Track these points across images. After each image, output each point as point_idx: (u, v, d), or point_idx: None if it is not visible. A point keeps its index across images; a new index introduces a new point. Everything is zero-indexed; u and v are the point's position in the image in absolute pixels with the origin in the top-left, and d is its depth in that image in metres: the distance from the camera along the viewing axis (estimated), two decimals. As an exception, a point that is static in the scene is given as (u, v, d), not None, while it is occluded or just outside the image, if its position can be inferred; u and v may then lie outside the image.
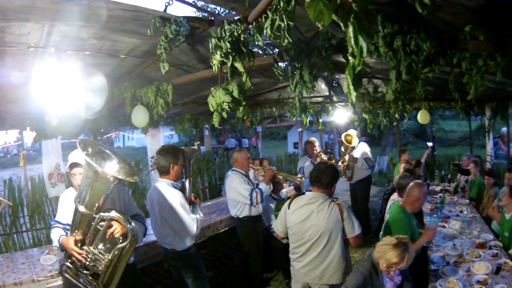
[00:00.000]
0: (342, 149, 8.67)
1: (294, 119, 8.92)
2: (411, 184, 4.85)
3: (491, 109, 8.45)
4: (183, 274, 4.61)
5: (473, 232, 5.62)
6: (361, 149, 8.64)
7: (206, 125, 14.34)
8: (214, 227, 6.58)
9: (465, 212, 5.82)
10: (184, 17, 3.80)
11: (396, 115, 8.71)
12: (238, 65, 3.43)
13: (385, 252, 3.48)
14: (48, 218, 7.62)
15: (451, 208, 7.11)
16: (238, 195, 5.81)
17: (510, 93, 6.84)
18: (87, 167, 3.26)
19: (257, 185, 5.95)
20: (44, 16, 3.40)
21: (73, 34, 3.88)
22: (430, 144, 11.23)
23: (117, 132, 26.96)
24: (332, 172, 4.16)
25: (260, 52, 6.85)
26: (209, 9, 14.80)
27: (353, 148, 8.52)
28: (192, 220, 4.32)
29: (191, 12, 26.46)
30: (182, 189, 4.51)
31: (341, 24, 1.86)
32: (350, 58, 1.92)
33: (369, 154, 8.67)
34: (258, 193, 5.74)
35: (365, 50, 1.83)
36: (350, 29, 1.84)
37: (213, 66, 3.64)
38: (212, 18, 3.99)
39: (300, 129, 21.01)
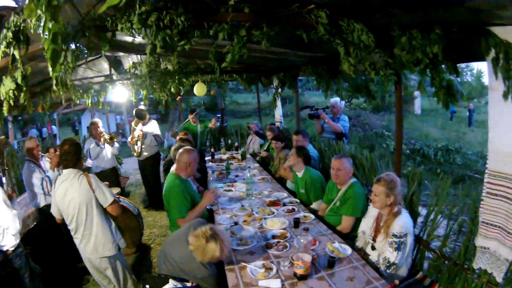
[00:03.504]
0: (133, 124, 8.62)
1: (78, 101, 8.55)
2: (180, 150, 5.10)
3: (278, 79, 8.92)
4: (20, 275, 4.49)
5: (263, 192, 6.00)
6: (151, 125, 8.73)
7: (9, 117, 13.22)
8: (24, 223, 6.13)
9: (248, 174, 6.09)
10: (-7, 6, 3.68)
11: (172, 90, 8.75)
12: (16, 52, 3.37)
13: (205, 252, 3.42)
14: None
15: (239, 173, 7.53)
16: (31, 185, 5.63)
17: (298, 63, 7.22)
18: None
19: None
20: None
21: None
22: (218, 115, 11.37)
23: None
24: (75, 150, 4.26)
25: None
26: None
27: (144, 124, 8.56)
28: (14, 216, 4.29)
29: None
30: None
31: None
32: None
33: (158, 131, 8.84)
34: (47, 181, 5.67)
35: (50, 33, 2.55)
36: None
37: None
38: (16, 6, 3.81)
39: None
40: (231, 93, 35.65)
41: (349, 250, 3.78)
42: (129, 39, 4.81)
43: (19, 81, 3.64)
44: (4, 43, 3.33)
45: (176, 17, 3.16)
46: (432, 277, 3.94)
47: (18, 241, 4.45)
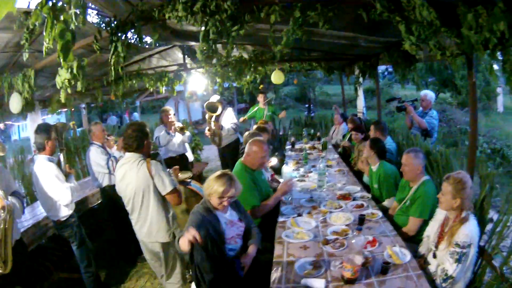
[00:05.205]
0: (207, 117, 8.56)
1: (151, 89, 8.75)
2: (250, 141, 4.96)
3: (359, 68, 8.64)
4: (70, 242, 5.02)
5: (337, 184, 5.75)
6: (227, 115, 8.70)
7: (82, 105, 13.96)
8: (87, 202, 6.79)
9: (321, 165, 5.76)
10: (40, 8, 3.93)
11: (248, 78, 8.61)
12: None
13: (211, 186, 3.71)
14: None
15: (317, 163, 7.02)
16: (97, 165, 5.99)
17: (377, 51, 7.03)
18: None
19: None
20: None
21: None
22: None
23: (6, 123, 25.72)
24: (137, 135, 4.25)
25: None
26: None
27: (218, 115, 8.53)
28: (66, 188, 4.64)
29: None
30: (58, 162, 4.85)
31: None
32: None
33: (235, 119, 8.77)
34: (114, 161, 5.94)
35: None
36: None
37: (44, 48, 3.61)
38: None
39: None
40: (321, 84, 35.31)
41: (408, 256, 3.36)
42: (194, 28, 4.82)
43: (74, 71, 3.79)
44: (47, 40, 3.37)
45: (222, 2, 3.15)
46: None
47: (71, 211, 4.94)
